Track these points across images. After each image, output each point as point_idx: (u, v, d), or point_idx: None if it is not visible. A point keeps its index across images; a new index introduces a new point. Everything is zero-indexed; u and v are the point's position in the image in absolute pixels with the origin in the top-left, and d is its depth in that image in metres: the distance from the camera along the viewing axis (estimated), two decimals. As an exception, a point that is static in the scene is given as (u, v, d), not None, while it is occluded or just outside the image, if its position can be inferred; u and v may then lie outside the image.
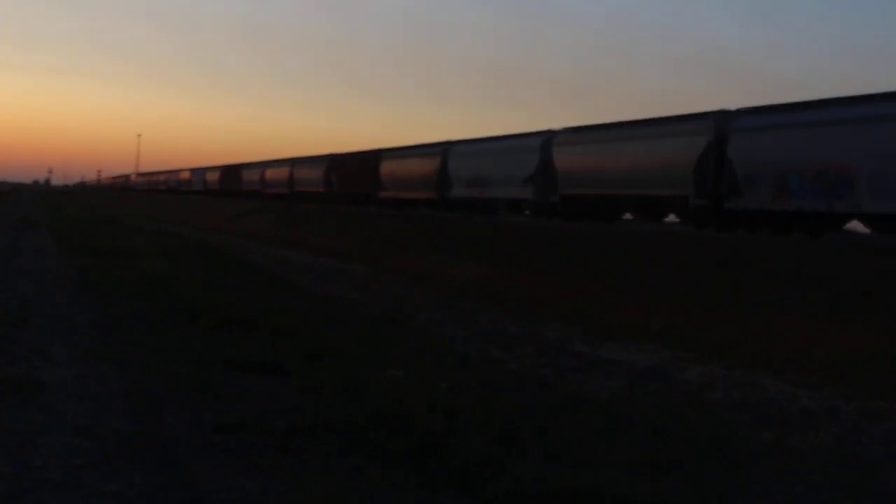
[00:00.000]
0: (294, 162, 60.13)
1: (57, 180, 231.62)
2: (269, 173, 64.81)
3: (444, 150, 39.67)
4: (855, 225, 22.41)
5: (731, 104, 30.88)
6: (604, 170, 28.85)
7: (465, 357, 11.52)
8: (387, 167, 44.83)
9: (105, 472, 5.92)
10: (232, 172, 75.68)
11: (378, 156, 45.98)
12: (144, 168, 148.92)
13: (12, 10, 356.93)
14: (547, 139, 32.81)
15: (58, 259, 22.04)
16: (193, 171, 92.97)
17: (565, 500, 5.79)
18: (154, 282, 16.71)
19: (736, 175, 23.75)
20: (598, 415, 8.42)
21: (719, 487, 6.62)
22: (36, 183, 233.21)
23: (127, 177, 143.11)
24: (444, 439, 6.67)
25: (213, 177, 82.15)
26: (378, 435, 6.85)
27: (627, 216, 30.67)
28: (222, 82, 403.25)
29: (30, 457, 6.15)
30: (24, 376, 8.53)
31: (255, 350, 10.21)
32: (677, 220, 27.80)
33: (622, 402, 9.74)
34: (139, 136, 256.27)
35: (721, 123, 24.87)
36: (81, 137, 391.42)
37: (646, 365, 12.53)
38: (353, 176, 48.55)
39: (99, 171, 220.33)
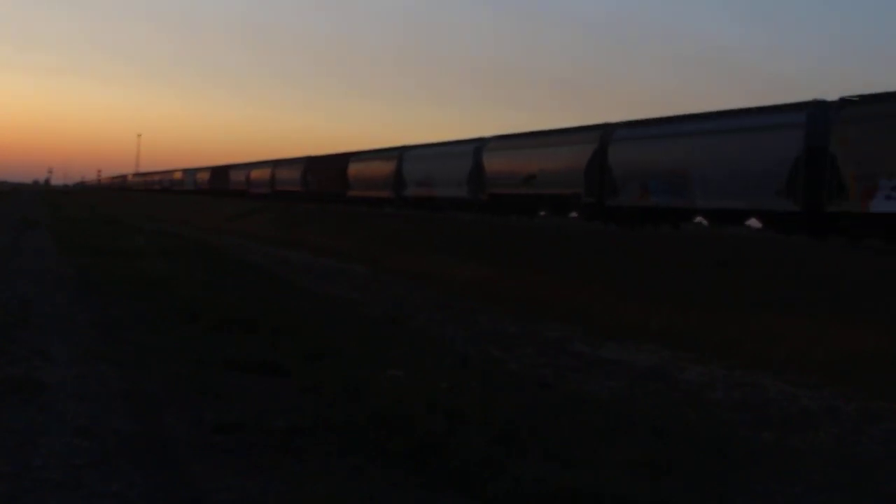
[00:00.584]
0: (275, 164, 63.98)
1: (57, 180, 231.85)
2: (254, 174, 68.60)
3: (399, 154, 44.44)
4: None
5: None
6: (522, 172, 33.58)
7: (465, 357, 11.52)
8: (354, 169, 49.33)
9: (105, 473, 5.92)
10: (221, 173, 79.20)
11: (347, 158, 50.57)
12: (144, 168, 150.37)
13: (12, 10, 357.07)
14: (479, 146, 37.53)
15: (58, 259, 22.05)
16: (185, 171, 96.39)
17: (565, 500, 5.79)
18: (154, 282, 16.71)
19: (614, 178, 28.79)
20: (598, 415, 8.42)
21: (719, 487, 6.63)
22: (36, 183, 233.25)
23: (124, 177, 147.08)
24: (444, 439, 6.67)
25: (203, 177, 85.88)
26: (378, 435, 6.85)
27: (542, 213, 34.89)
28: (222, 82, 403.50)
29: (30, 457, 6.15)
30: (25, 376, 8.53)
31: (255, 350, 10.20)
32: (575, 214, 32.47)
33: (622, 403, 9.74)
34: (139, 136, 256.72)
35: (604, 135, 29.73)
36: (81, 137, 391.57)
37: (646, 365, 12.53)
38: (325, 177, 52.98)
39: (99, 171, 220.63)
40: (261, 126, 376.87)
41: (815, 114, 22.16)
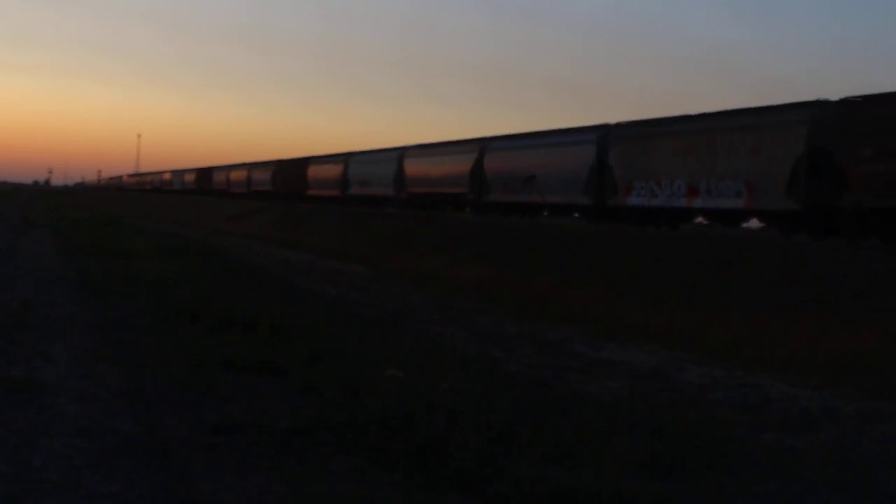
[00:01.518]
0: (251, 166, 71.98)
1: (57, 180, 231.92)
2: (233, 175, 76.18)
3: (346, 159, 52.43)
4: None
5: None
6: (430, 175, 41.82)
7: (466, 357, 11.52)
8: (311, 171, 57.07)
9: (105, 473, 5.92)
10: (205, 174, 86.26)
11: (307, 162, 58.39)
12: (143, 169, 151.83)
13: (12, 10, 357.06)
14: (401, 153, 45.34)
15: (58, 260, 22.06)
16: (174, 172, 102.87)
17: (565, 500, 5.79)
18: (154, 282, 16.73)
19: (487, 180, 36.91)
20: (598, 415, 8.42)
21: (719, 487, 6.63)
22: (36, 183, 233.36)
23: (120, 178, 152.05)
24: (444, 440, 6.67)
25: (189, 178, 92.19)
26: (378, 435, 6.85)
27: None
28: (222, 82, 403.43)
29: (30, 457, 6.16)
30: (25, 377, 8.54)
31: (256, 350, 10.20)
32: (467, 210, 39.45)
33: (622, 403, 9.74)
34: (139, 136, 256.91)
35: (482, 147, 37.87)
36: (81, 137, 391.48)
37: (646, 365, 12.54)
38: (290, 178, 60.02)
39: (99, 172, 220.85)
40: (261, 126, 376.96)
41: (603, 135, 30.47)
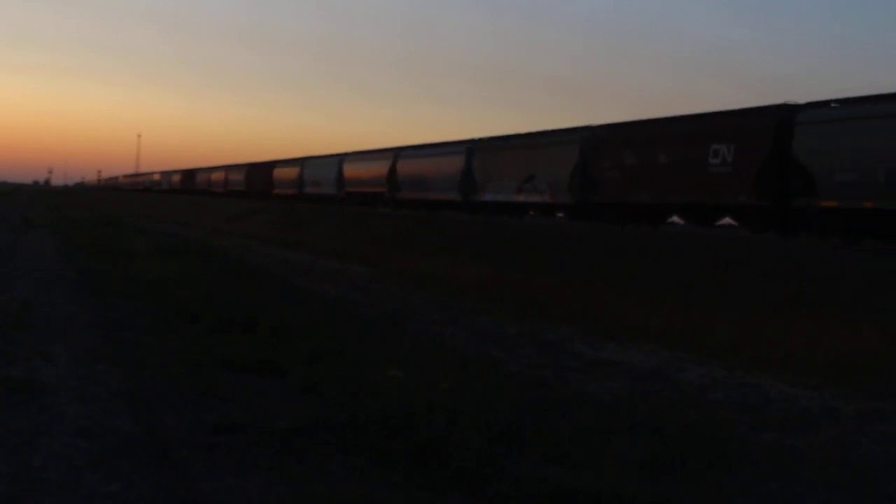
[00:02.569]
0: (228, 168, 79.91)
1: (57, 180, 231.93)
2: (213, 176, 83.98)
3: (302, 162, 60.58)
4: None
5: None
6: (361, 177, 49.83)
7: (466, 357, 11.52)
8: (276, 173, 64.53)
9: (105, 473, 5.92)
10: (189, 175, 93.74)
11: (273, 165, 66.11)
12: (144, 169, 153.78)
13: (12, 10, 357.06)
14: (341, 159, 53.56)
15: (58, 260, 22.07)
16: (162, 173, 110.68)
17: (565, 500, 5.79)
18: (154, 282, 16.73)
19: (399, 181, 44.35)
20: (598, 415, 8.43)
21: (719, 487, 6.63)
22: (36, 183, 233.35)
23: (116, 178, 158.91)
24: (445, 440, 6.67)
25: (176, 178, 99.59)
26: (378, 435, 6.85)
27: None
28: (222, 83, 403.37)
29: (30, 457, 6.16)
30: (25, 377, 8.54)
31: (256, 350, 10.21)
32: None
33: (622, 403, 9.74)
34: (139, 136, 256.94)
35: (395, 154, 45.64)
36: (81, 137, 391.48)
37: (646, 366, 12.53)
38: (260, 179, 67.78)
39: (99, 172, 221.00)
40: (260, 126, 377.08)
41: (470, 148, 39.06)
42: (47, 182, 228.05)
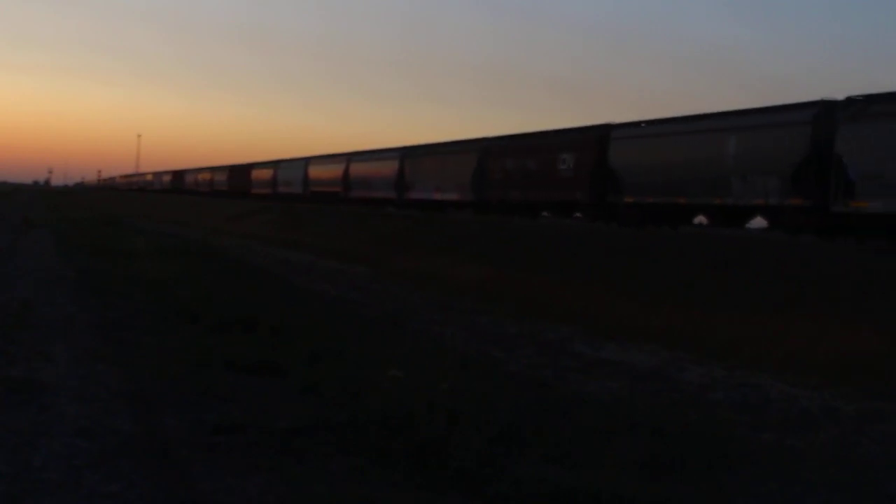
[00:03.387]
0: (213, 169, 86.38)
1: (57, 180, 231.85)
2: (200, 177, 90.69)
3: (276, 165, 66.58)
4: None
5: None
6: (322, 178, 56.57)
7: (466, 357, 11.52)
8: (254, 174, 70.99)
9: (105, 473, 5.93)
10: (178, 175, 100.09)
11: (251, 167, 72.64)
12: (143, 169, 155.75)
13: (12, 10, 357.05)
14: (307, 162, 60.37)
15: (58, 260, 22.07)
16: (154, 174, 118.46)
17: (565, 500, 5.79)
18: (154, 282, 16.73)
19: (350, 182, 51.54)
20: (598, 415, 8.43)
21: (719, 487, 6.63)
22: (36, 183, 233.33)
23: (113, 179, 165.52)
24: (445, 440, 6.67)
25: (167, 179, 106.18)
26: (378, 435, 6.85)
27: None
28: (222, 83, 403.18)
29: (30, 457, 6.16)
30: (25, 377, 8.55)
31: (256, 350, 10.21)
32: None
33: (622, 403, 9.74)
34: (139, 136, 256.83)
35: (348, 159, 52.95)
36: (81, 137, 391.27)
37: (646, 365, 12.54)
38: (240, 179, 74.00)
39: (99, 172, 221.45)
40: (260, 126, 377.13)
41: (403, 154, 46.00)
42: (47, 182, 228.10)
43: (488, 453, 6.54)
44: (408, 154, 45.48)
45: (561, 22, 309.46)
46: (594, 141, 30.81)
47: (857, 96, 21.46)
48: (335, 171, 54.00)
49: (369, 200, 48.06)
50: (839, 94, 22.88)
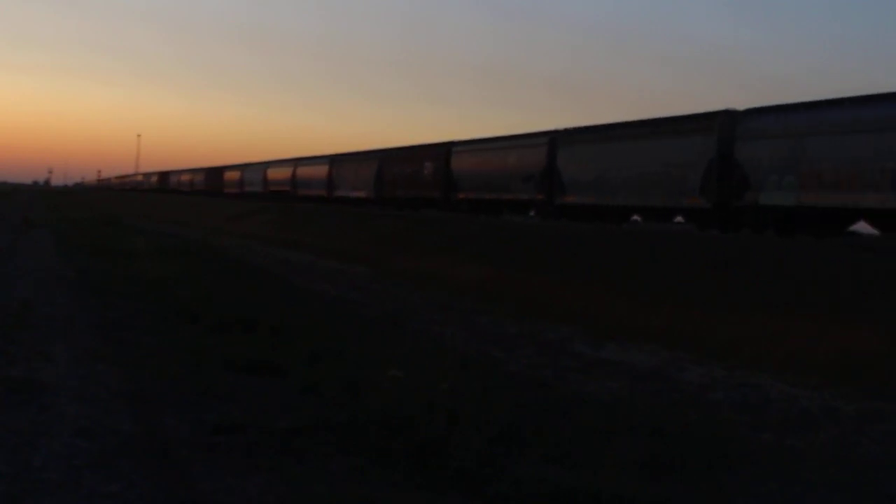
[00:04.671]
0: (193, 171, 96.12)
1: (57, 180, 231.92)
2: (182, 178, 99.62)
3: (242, 168, 76.17)
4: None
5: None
6: (278, 178, 65.92)
7: (466, 357, 11.52)
8: (226, 175, 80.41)
9: (105, 473, 5.92)
10: (164, 177, 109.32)
11: (224, 169, 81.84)
12: (143, 169, 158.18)
13: (12, 10, 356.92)
14: (266, 165, 69.13)
15: (58, 260, 22.07)
16: (144, 175, 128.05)
17: (565, 500, 5.79)
18: (154, 282, 16.73)
19: (296, 182, 60.77)
20: (598, 415, 8.43)
21: (719, 487, 6.63)
22: (36, 183, 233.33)
23: (109, 179, 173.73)
24: (445, 440, 6.67)
25: (154, 179, 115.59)
26: (378, 435, 6.85)
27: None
28: (222, 83, 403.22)
29: (30, 457, 6.16)
30: (25, 377, 8.54)
31: (256, 350, 10.21)
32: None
33: (622, 403, 9.74)
34: (139, 136, 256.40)
35: (295, 164, 62.80)
36: (81, 137, 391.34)
37: (646, 366, 12.54)
38: (215, 180, 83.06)
39: (99, 172, 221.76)
40: (260, 126, 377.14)
41: (330, 160, 56.13)
42: (47, 182, 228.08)
43: (488, 453, 6.54)
44: (335, 160, 55.99)
45: (560, 22, 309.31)
46: (443, 153, 41.92)
47: (569, 128, 33.91)
48: (286, 173, 63.95)
49: (309, 197, 58.03)
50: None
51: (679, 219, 29.11)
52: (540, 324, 15.99)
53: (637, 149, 28.60)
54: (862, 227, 23.70)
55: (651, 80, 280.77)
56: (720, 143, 25.37)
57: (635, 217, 31.35)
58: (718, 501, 6.39)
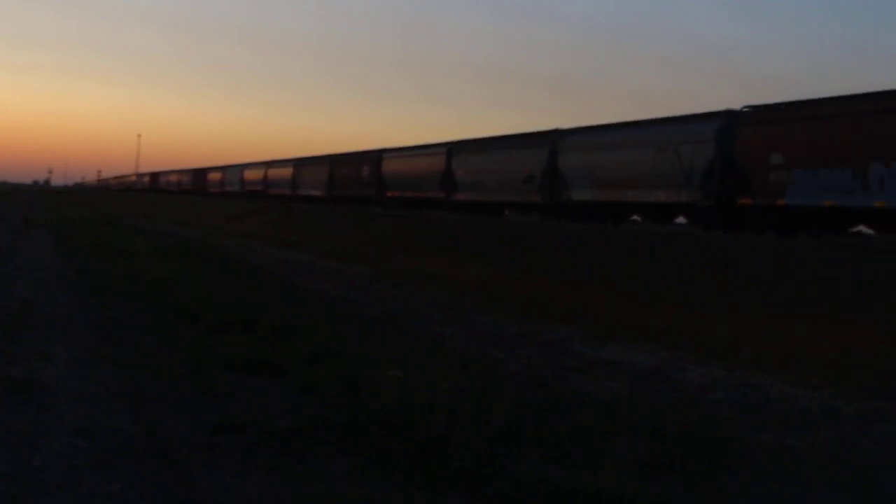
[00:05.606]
0: (180, 172, 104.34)
1: (57, 180, 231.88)
2: (171, 178, 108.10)
3: (223, 169, 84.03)
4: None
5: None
6: (253, 179, 73.31)
7: (466, 357, 11.52)
8: (209, 176, 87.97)
9: (105, 473, 5.92)
10: (154, 177, 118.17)
11: (207, 171, 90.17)
12: (143, 169, 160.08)
13: (12, 10, 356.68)
14: (243, 168, 76.91)
15: (58, 260, 22.07)
16: (137, 175, 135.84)
17: (565, 500, 5.79)
18: (154, 283, 16.73)
19: (268, 182, 67.99)
20: (598, 415, 8.42)
21: (719, 487, 6.63)
22: (36, 183, 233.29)
23: (107, 180, 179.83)
24: (445, 440, 6.67)
25: (146, 179, 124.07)
26: (378, 435, 6.85)
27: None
28: (222, 83, 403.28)
29: (30, 457, 6.16)
30: (25, 377, 8.54)
31: (256, 350, 10.21)
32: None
33: (622, 403, 9.74)
34: (139, 136, 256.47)
35: (267, 167, 70.11)
36: (81, 137, 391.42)
37: (646, 366, 12.53)
38: (199, 181, 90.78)
39: (99, 172, 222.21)
40: (260, 126, 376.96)
41: (295, 163, 64.59)
42: (47, 182, 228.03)
43: (488, 453, 6.54)
44: (297, 164, 63.99)
45: (560, 22, 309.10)
46: (377, 159, 50.24)
47: (460, 140, 42.74)
48: (259, 174, 71.54)
49: (277, 196, 65.14)
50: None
51: (506, 212, 39.85)
52: (540, 324, 15.99)
53: (504, 157, 37.45)
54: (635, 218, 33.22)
55: (651, 80, 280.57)
56: (550, 154, 33.95)
57: (507, 211, 39.72)
58: (718, 501, 6.39)
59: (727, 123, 26.11)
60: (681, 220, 30.13)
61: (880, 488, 7.21)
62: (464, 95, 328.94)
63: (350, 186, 53.00)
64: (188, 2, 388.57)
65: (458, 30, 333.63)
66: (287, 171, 64.75)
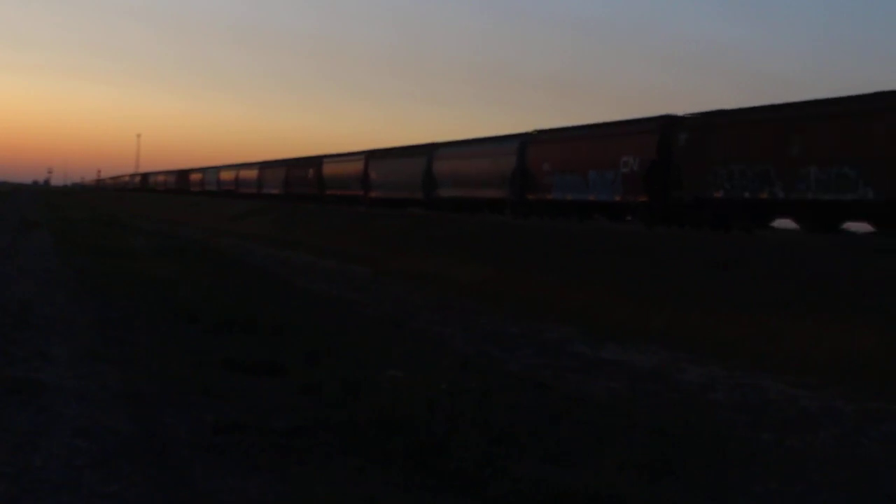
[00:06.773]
0: (166, 173, 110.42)
1: (57, 180, 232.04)
2: (159, 178, 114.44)
3: (204, 171, 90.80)
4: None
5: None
6: (235, 179, 78.79)
7: (465, 358, 11.52)
8: (192, 177, 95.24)
9: (105, 473, 5.92)
10: (145, 177, 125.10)
11: (190, 171, 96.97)
12: (143, 169, 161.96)
13: (12, 10, 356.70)
14: (219, 169, 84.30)
15: (58, 260, 22.06)
16: (131, 175, 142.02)
17: (565, 500, 5.79)
18: (154, 282, 16.72)
19: (239, 182, 76.84)
20: (598, 415, 8.43)
21: (719, 487, 6.63)
22: (35, 183, 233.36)
23: (104, 180, 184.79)
24: (444, 440, 6.67)
25: (137, 179, 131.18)
26: (378, 435, 6.85)
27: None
28: (221, 83, 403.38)
29: (30, 457, 6.15)
30: (25, 377, 8.54)
31: (256, 350, 10.21)
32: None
33: (622, 403, 9.74)
34: (139, 136, 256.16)
35: (261, 167, 73.55)
36: (81, 137, 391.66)
37: (646, 366, 12.53)
38: (185, 181, 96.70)
39: (98, 172, 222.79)
40: (259, 126, 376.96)
41: (260, 166, 73.41)
42: (47, 182, 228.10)
43: (488, 454, 6.53)
44: (261, 166, 71.61)
45: (560, 21, 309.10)
46: (318, 163, 58.85)
47: (375, 150, 51.43)
48: (232, 175, 79.08)
49: (247, 194, 71.51)
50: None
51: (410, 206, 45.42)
52: (540, 324, 15.99)
53: (399, 164, 47.23)
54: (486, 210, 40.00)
55: (651, 80, 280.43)
56: (427, 162, 43.37)
57: (412, 208, 45.00)
58: (718, 502, 6.38)
59: (524, 142, 36.30)
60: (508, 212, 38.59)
61: (880, 488, 7.21)
62: (456, 95, 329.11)
63: (300, 186, 61.54)
64: (188, 2, 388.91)
65: (450, 30, 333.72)
66: (254, 173, 73.84)
